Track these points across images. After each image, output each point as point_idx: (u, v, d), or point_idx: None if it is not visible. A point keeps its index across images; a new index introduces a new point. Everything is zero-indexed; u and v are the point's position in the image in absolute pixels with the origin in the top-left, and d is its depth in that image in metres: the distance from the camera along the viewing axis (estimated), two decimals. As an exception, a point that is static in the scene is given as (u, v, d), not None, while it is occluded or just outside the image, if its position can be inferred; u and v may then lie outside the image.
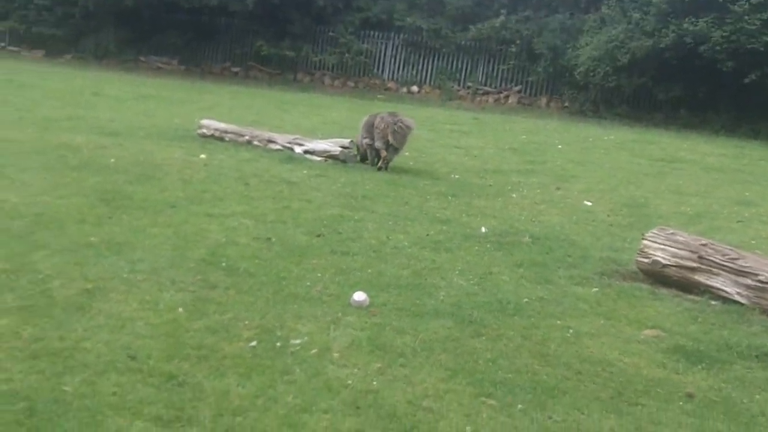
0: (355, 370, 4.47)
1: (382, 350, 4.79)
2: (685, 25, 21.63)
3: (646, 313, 6.11)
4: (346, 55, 28.98)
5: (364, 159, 12.09)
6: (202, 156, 11.36)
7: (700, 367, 5.08)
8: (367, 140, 11.90)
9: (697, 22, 21.48)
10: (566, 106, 26.06)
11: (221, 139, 13.11)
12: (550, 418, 4.15)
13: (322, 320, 5.19)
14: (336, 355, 4.65)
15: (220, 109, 18.00)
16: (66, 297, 5.15)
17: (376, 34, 29.19)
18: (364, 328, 5.13)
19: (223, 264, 6.26)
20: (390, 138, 11.52)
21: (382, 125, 11.54)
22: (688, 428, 4.21)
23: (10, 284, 5.28)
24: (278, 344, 4.72)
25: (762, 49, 20.86)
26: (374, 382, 4.32)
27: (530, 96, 27.31)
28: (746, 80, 21.23)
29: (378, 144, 11.68)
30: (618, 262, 7.50)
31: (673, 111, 24.13)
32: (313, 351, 4.67)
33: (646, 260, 6.94)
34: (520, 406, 4.24)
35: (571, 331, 5.50)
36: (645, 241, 7.03)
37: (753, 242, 8.77)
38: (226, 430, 3.65)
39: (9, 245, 6.16)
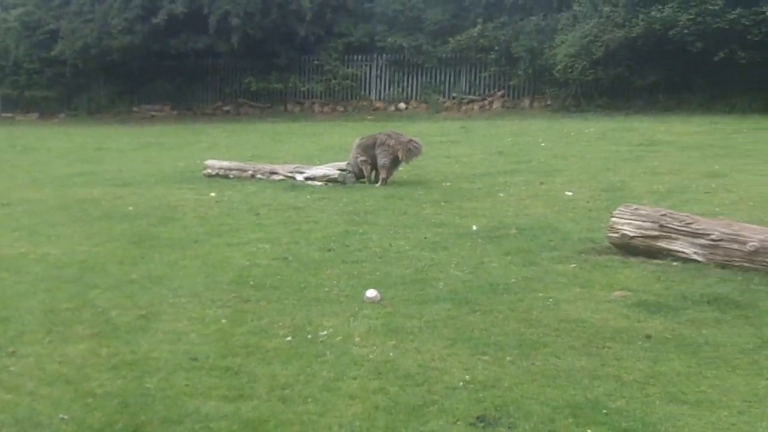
0: (374, 348, 5.50)
1: (394, 332, 5.81)
2: (653, 13, 22.71)
3: (616, 279, 7.11)
4: (333, 81, 30.06)
5: (359, 178, 13.12)
6: (212, 194, 12.35)
7: (658, 315, 6.09)
8: (362, 158, 12.92)
9: (664, 8, 22.57)
10: (549, 105, 27.06)
11: (226, 176, 14.11)
12: (533, 364, 5.17)
13: (342, 315, 6.21)
14: (357, 339, 5.67)
15: (218, 148, 19.04)
16: (126, 322, 6.17)
17: (360, 57, 30.26)
18: (378, 317, 6.15)
19: (251, 282, 7.27)
20: (401, 155, 12.53)
21: (392, 142, 12.55)
22: (646, 360, 5.22)
23: (78, 318, 6.30)
24: (309, 336, 5.75)
25: (727, 27, 21.87)
26: (390, 354, 5.36)
27: (514, 99, 28.32)
28: (716, 58, 22.23)
29: (384, 161, 12.63)
30: (594, 240, 8.49)
31: (651, 96, 25.10)
32: (338, 338, 5.70)
33: (615, 235, 7.95)
34: (508, 358, 5.26)
35: (551, 300, 6.52)
36: (613, 219, 8.03)
37: (717, 209, 9.72)
38: (279, 398, 4.68)
39: (66, 289, 7.17)
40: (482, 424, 4.32)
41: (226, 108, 31.77)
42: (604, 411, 4.48)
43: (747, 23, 21.76)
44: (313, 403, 4.63)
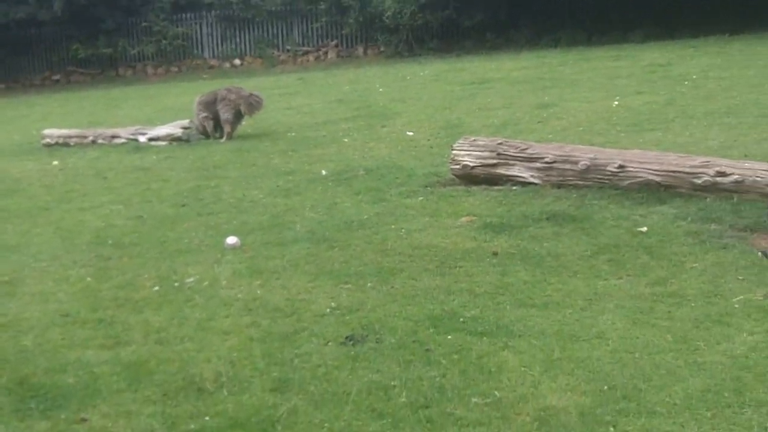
0: (241, 288, 5.74)
1: (259, 273, 6.06)
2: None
3: (462, 206, 7.57)
4: (163, 41, 29.44)
5: (204, 135, 13.15)
6: (55, 162, 12.12)
7: (503, 234, 6.57)
8: (203, 114, 12.96)
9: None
10: (382, 51, 27.44)
11: (66, 144, 13.80)
12: (392, 287, 5.55)
13: (205, 263, 6.40)
14: (224, 282, 5.90)
15: (53, 118, 18.49)
16: (-10, 290, 6.18)
17: (189, 15, 29.74)
18: (241, 261, 6.37)
19: (109, 242, 7.33)
20: (243, 109, 12.71)
21: (233, 97, 12.69)
22: (495, 274, 5.68)
23: (-63, 291, 6.25)
24: (176, 285, 5.94)
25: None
26: (258, 293, 5.62)
27: (347, 48, 28.56)
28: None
29: (227, 116, 12.73)
30: (438, 174, 8.92)
31: (479, 36, 25.84)
32: (205, 284, 5.90)
33: (457, 166, 8.40)
34: (369, 284, 5.62)
35: (403, 230, 6.91)
36: (454, 151, 8.48)
37: (550, 136, 10.36)
38: (156, 341, 4.87)
39: None
40: (351, 343, 4.66)
41: (55, 77, 30.68)
42: (461, 319, 4.90)
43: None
44: (190, 341, 4.85)
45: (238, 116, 12.86)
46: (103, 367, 4.55)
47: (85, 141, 13.70)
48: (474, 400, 3.89)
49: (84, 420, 3.98)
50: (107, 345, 4.89)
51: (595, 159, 7.61)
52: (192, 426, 3.85)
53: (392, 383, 4.11)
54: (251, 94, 12.94)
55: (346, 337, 4.72)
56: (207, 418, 3.92)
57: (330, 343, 4.68)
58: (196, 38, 29.83)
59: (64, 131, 14.17)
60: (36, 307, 5.68)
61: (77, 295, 5.87)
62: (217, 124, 12.97)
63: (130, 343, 4.89)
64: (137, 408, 4.06)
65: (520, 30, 24.99)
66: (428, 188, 8.40)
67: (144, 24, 29.51)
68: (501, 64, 20.28)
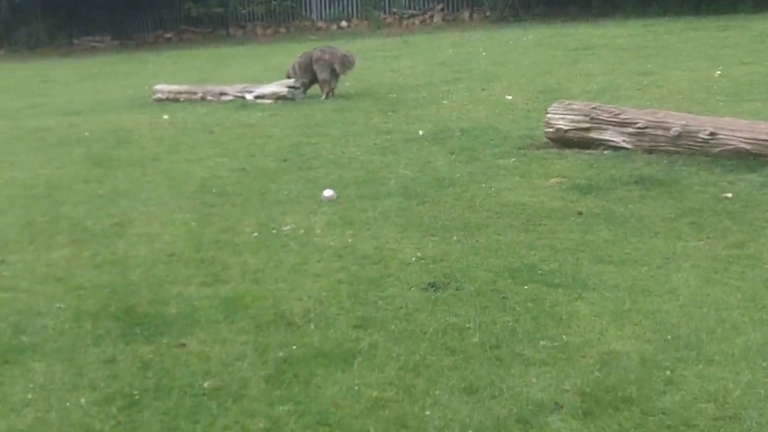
0: (334, 237, 6.06)
1: (351, 223, 6.37)
2: None
3: (552, 168, 7.73)
4: (273, 2, 29.95)
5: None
6: (165, 117, 12.66)
7: (590, 195, 6.72)
8: (303, 79, 13.47)
9: None
10: (488, 16, 27.41)
11: (176, 100, 14.36)
12: (477, 241, 5.78)
13: (302, 213, 6.75)
14: (318, 231, 6.23)
15: (165, 75, 19.17)
16: (102, 230, 6.65)
17: (299, -23, 30.24)
18: (336, 212, 6.70)
19: (214, 191, 7.75)
20: (337, 67, 13.05)
21: (327, 57, 13.07)
22: (577, 232, 5.85)
23: (56, 229, 6.75)
24: (273, 231, 6.30)
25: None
26: (349, 241, 5.94)
27: (453, 12, 28.61)
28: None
29: (323, 75, 13.14)
30: (532, 137, 9.07)
31: (585, 3, 25.57)
32: (301, 231, 6.25)
33: (551, 130, 8.53)
34: (455, 238, 5.87)
35: (492, 189, 7.12)
36: (548, 115, 8.61)
37: (648, 103, 10.31)
38: (252, 280, 5.24)
39: (39, 205, 7.59)
40: (433, 289, 4.93)
41: (167, 35, 31.61)
42: (539, 272, 5.11)
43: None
44: (283, 282, 5.20)
45: (333, 75, 13.24)
46: (202, 301, 4.94)
47: (195, 97, 14.22)
48: (542, 342, 4.12)
49: (183, 345, 4.36)
50: (207, 282, 5.28)
51: (687, 126, 7.64)
52: (280, 354, 4.19)
53: (467, 325, 4.37)
54: (344, 54, 13.25)
55: (428, 284, 4.99)
56: (294, 347, 4.25)
57: (413, 288, 4.96)
58: (305, 0, 30.28)
59: (175, 87, 14.74)
60: (143, 246, 6.12)
61: (181, 237, 6.30)
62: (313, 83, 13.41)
63: (228, 281, 5.27)
64: (232, 336, 4.43)
65: (627, -3, 24.61)
66: (521, 150, 8.56)
67: (255, -16, 30.09)
68: (606, 31, 20.09)
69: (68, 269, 5.71)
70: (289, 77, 13.77)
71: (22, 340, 4.57)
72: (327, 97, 13.13)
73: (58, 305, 5.01)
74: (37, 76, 22.33)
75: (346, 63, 13.15)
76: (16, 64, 27.90)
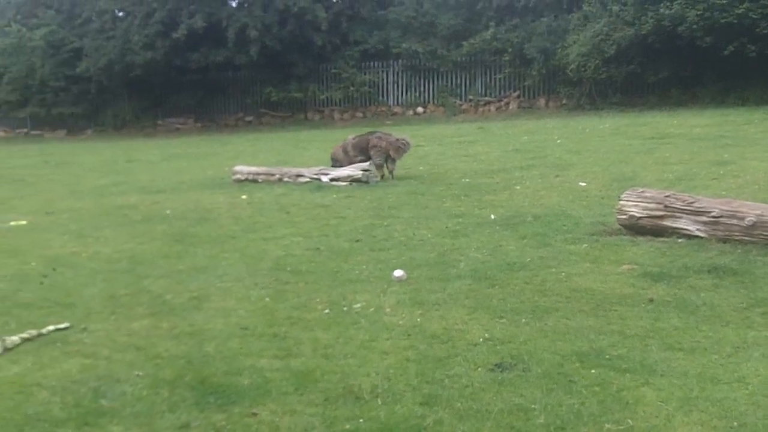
0: (403, 316, 6.17)
1: (420, 303, 6.47)
2: (662, 10, 23.30)
3: (624, 255, 7.74)
4: (351, 88, 30.75)
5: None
6: (243, 197, 13.03)
7: (661, 283, 6.71)
8: (359, 157, 14.19)
9: (672, 5, 23.14)
10: (564, 104, 27.66)
11: (255, 180, 14.77)
12: (545, 324, 5.82)
13: (373, 292, 6.88)
14: (388, 310, 6.34)
15: (244, 156, 19.71)
16: (180, 303, 6.87)
17: (376, 63, 30.97)
18: (406, 292, 6.81)
19: (288, 269, 7.94)
20: (392, 153, 13.85)
21: (383, 144, 13.91)
22: (647, 319, 5.85)
23: (136, 301, 7.00)
24: (344, 309, 6.43)
25: (735, 21, 22.42)
26: (418, 320, 6.03)
27: (529, 99, 28.96)
28: (726, 52, 22.77)
29: (378, 161, 13.90)
30: (605, 224, 9.10)
31: (663, 92, 25.69)
32: (371, 310, 6.37)
33: (624, 217, 8.57)
34: (523, 320, 5.92)
35: (563, 274, 7.15)
36: (621, 202, 8.66)
37: (723, 193, 10.27)
38: (322, 355, 5.36)
39: (121, 279, 7.87)
40: (500, 369, 4.97)
41: (248, 118, 32.56)
42: (607, 356, 5.12)
43: (755, 17, 22.30)
44: (352, 358, 5.31)
45: (388, 160, 13.97)
46: (274, 373, 5.07)
47: (272, 178, 14.61)
48: (607, 426, 4.13)
49: (254, 414, 4.49)
50: (279, 356, 5.42)
51: (762, 216, 7.61)
52: (348, 426, 4.29)
53: (532, 406, 4.40)
54: (398, 140, 13.98)
55: (495, 365, 5.04)
56: (361, 421, 4.34)
57: (479, 368, 5.01)
58: (382, 86, 30.98)
59: (253, 168, 15.16)
60: (219, 320, 6.31)
61: (256, 312, 6.47)
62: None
63: (299, 356, 5.41)
64: (301, 408, 4.55)
65: (705, 87, 24.64)
66: (593, 236, 8.59)
67: (334, 71, 30.92)
68: (683, 120, 20.09)
69: (147, 339, 5.91)
70: (335, 158, 14.60)
71: (102, 404, 4.75)
72: (380, 179, 13.76)
73: (136, 373, 5.20)
74: (123, 155, 23.15)
75: (401, 148, 13.92)
76: (103, 143, 28.98)
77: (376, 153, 13.95)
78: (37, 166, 21.81)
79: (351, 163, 14.17)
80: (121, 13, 31.81)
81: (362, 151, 14.20)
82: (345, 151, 14.50)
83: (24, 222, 11.74)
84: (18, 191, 16.16)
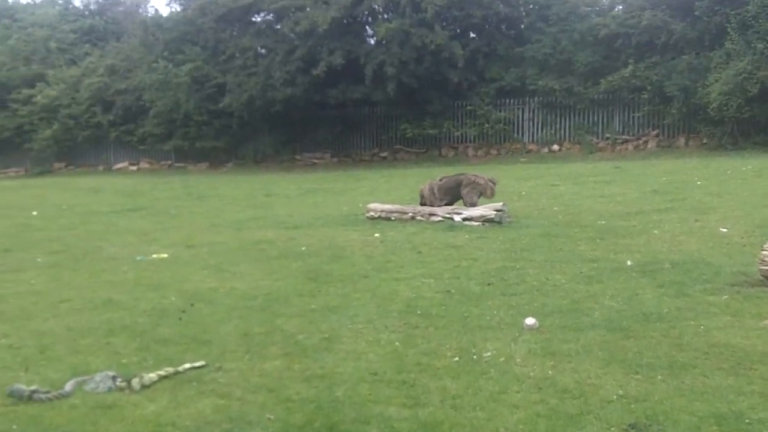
0: (534, 367, 6.08)
1: (552, 354, 6.37)
2: (809, 49, 22.43)
3: (767, 308, 7.43)
4: (486, 125, 30.70)
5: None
6: (376, 235, 13.16)
7: (808, 340, 6.42)
8: (445, 200, 14.61)
9: (820, 44, 22.26)
10: (705, 143, 26.82)
11: (388, 218, 14.89)
12: (682, 382, 5.63)
13: (503, 340, 6.81)
14: (518, 360, 6.27)
15: (378, 193, 19.96)
16: (312, 344, 6.97)
17: (512, 101, 30.83)
18: (537, 341, 6.72)
19: (418, 312, 7.96)
20: (488, 192, 14.28)
21: (481, 182, 14.32)
22: (792, 380, 5.59)
23: (270, 340, 7.15)
24: (474, 357, 6.39)
25: None
26: (549, 372, 5.93)
27: (668, 138, 28.22)
28: None
29: (473, 200, 14.20)
30: (747, 274, 8.76)
31: (811, 132, 24.67)
32: (501, 359, 6.31)
33: (766, 267, 8.23)
34: (659, 377, 5.74)
35: (702, 327, 6.92)
36: (764, 252, 8.32)
37: None
38: (451, 406, 5.34)
39: (256, 317, 8.05)
40: (634, 431, 4.83)
41: (383, 154, 32.90)
42: (747, 421, 4.91)
43: None
44: (481, 410, 5.26)
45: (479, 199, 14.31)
46: (402, 423, 5.08)
47: (405, 217, 14.70)
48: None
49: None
50: (407, 404, 5.43)
51: None
52: (475, 484, 4.25)
53: (668, 472, 4.26)
54: (490, 180, 14.38)
55: (629, 425, 4.90)
56: (490, 479, 4.29)
57: (613, 428, 4.89)
58: (517, 123, 30.80)
59: (387, 206, 15.30)
60: (349, 363, 6.37)
61: (386, 357, 6.50)
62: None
63: (427, 405, 5.40)
64: (428, 461, 4.53)
65: None
66: (734, 287, 8.28)
67: (469, 107, 30.96)
68: (834, 162, 19.22)
69: (279, 381, 6.02)
70: (422, 195, 14.89)
71: (234, 447, 4.86)
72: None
73: (268, 416, 5.30)
74: (262, 189, 23.75)
75: (493, 188, 14.30)
76: (242, 176, 29.82)
77: (472, 191, 14.24)
78: (179, 198, 22.64)
79: (432, 204, 14.56)
80: (263, 51, 32.73)
81: (448, 192, 14.58)
82: (431, 191, 14.82)
83: (165, 255, 12.18)
84: (161, 223, 16.81)
